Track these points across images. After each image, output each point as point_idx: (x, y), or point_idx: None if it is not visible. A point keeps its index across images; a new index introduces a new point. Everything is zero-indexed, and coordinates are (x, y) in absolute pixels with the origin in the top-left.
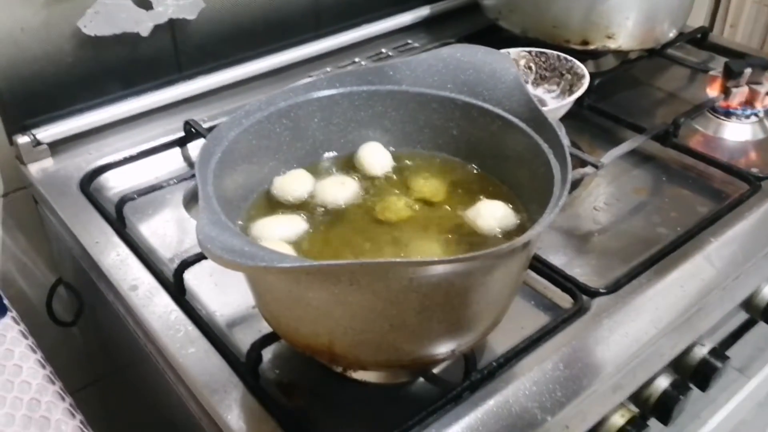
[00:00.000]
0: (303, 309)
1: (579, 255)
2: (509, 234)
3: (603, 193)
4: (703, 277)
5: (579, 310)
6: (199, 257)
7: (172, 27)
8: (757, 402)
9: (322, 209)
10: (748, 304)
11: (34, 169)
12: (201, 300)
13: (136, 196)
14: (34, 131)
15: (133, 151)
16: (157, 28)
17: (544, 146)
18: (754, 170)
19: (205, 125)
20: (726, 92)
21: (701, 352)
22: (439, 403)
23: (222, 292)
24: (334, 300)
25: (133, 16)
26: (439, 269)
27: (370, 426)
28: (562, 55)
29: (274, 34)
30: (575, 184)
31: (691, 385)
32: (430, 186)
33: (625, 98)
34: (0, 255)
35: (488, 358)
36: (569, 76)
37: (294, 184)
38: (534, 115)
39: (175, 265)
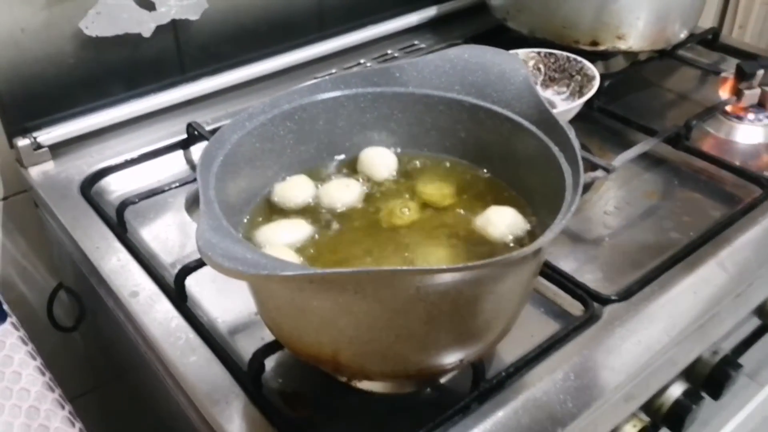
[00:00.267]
0: (306, 318)
1: (589, 260)
2: (520, 240)
3: (613, 197)
4: (716, 283)
5: (590, 318)
6: (201, 263)
7: (175, 28)
8: None
9: (327, 213)
10: (761, 310)
11: (35, 172)
12: (203, 306)
13: (137, 199)
14: (34, 134)
15: (135, 154)
16: (159, 29)
17: (555, 149)
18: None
19: (209, 128)
20: (738, 94)
21: (714, 359)
22: (446, 414)
23: (224, 298)
24: (338, 309)
25: (135, 16)
26: (448, 277)
27: None
28: (572, 55)
29: (278, 35)
30: (585, 188)
31: (704, 394)
32: (437, 190)
33: (635, 100)
34: (0, 259)
35: (497, 368)
36: (579, 78)
37: (294, 190)
38: (544, 118)
39: (176, 271)
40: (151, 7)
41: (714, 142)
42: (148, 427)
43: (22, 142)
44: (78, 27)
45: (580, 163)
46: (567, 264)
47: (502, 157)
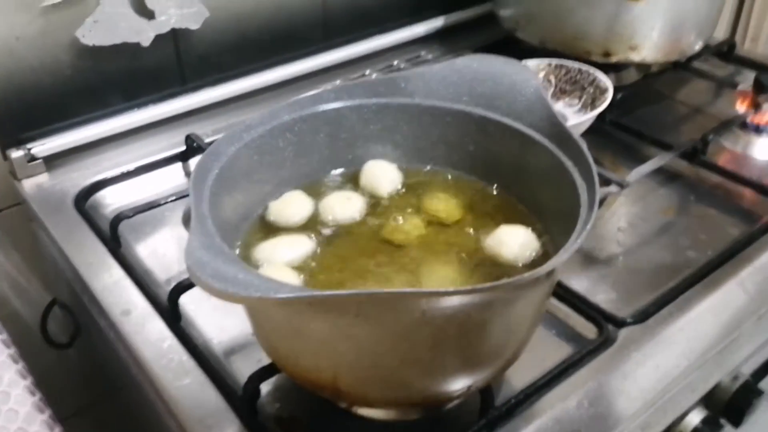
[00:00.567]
0: (304, 341)
1: (602, 280)
2: (531, 261)
3: (627, 213)
4: (737, 305)
5: (605, 341)
6: None
7: (175, 37)
8: None
9: (328, 228)
10: None
11: (28, 184)
12: (197, 326)
13: (132, 213)
14: (29, 145)
15: (132, 167)
16: (159, 38)
17: (569, 164)
18: None
19: (208, 140)
20: (756, 107)
21: (734, 385)
22: None
23: (220, 317)
24: (338, 333)
25: (133, 25)
26: (455, 300)
27: None
28: (584, 67)
29: (281, 45)
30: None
31: (723, 422)
32: (443, 206)
33: (649, 113)
34: None
35: (506, 394)
36: (591, 90)
37: (290, 208)
38: (557, 131)
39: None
40: (150, 16)
41: (730, 156)
42: None
43: (16, 154)
44: (75, 36)
45: (596, 178)
46: (579, 283)
47: (512, 172)
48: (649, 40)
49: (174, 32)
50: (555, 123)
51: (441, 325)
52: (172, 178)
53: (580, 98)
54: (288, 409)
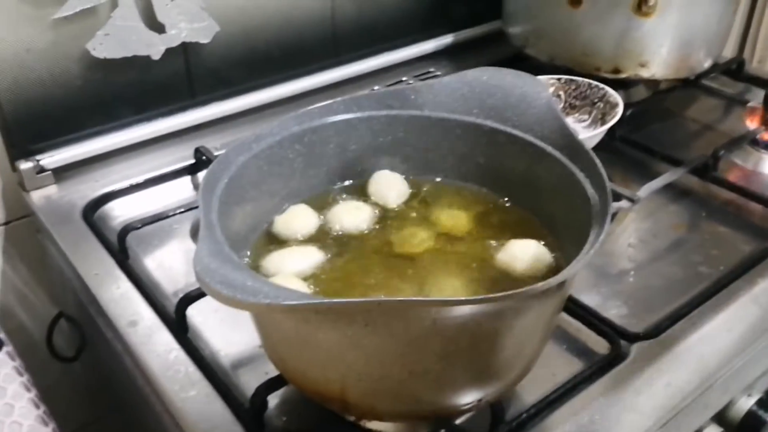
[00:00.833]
0: (312, 352)
1: (614, 295)
2: (544, 274)
3: (638, 229)
4: (750, 321)
5: (617, 357)
6: (204, 292)
7: (185, 51)
8: None
9: (337, 240)
10: None
11: (37, 196)
12: (204, 338)
13: (140, 225)
14: (38, 157)
15: (141, 179)
16: (169, 52)
17: (580, 176)
18: None
19: (217, 153)
20: (766, 124)
21: (748, 403)
22: None
23: (228, 329)
24: (347, 342)
25: (144, 38)
26: (466, 310)
27: None
28: (594, 82)
29: (291, 60)
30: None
31: None
32: (453, 218)
33: (658, 130)
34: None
35: (517, 409)
36: (601, 105)
37: (296, 222)
38: (568, 143)
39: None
40: (161, 30)
41: (741, 173)
42: None
43: (25, 165)
44: (85, 48)
45: (609, 189)
46: (590, 299)
47: (523, 185)
48: (658, 57)
49: (184, 46)
50: (566, 134)
51: (451, 335)
52: (181, 191)
53: (590, 113)
54: (295, 423)
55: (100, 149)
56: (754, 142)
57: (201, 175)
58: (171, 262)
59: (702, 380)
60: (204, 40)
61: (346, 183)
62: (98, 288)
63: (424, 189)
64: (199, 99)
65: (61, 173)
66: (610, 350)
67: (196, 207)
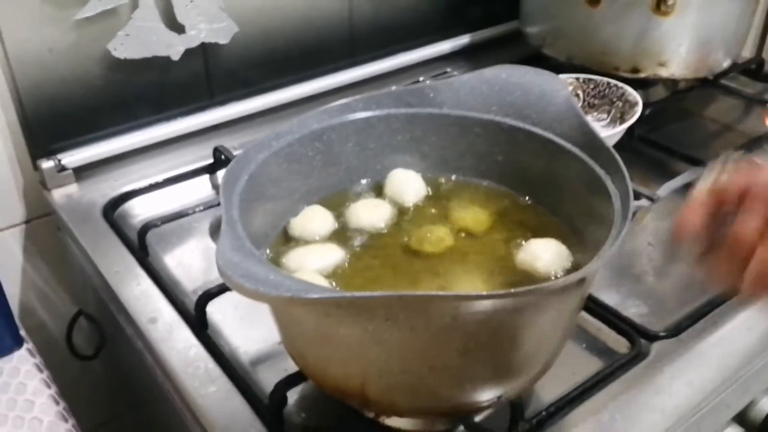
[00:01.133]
0: (333, 347)
1: (633, 294)
2: (565, 272)
3: (657, 228)
4: None
5: (637, 356)
6: (223, 288)
7: (204, 51)
8: None
9: (356, 237)
10: None
11: (58, 194)
12: (224, 335)
13: (159, 223)
14: (59, 156)
15: (160, 178)
16: (188, 52)
17: (601, 173)
18: None
19: (236, 153)
20: None
21: None
22: None
23: (247, 326)
24: (367, 337)
25: (164, 39)
26: (488, 305)
27: None
28: (612, 81)
29: (309, 60)
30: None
31: None
32: (472, 216)
33: (677, 130)
34: (20, 284)
35: (536, 407)
36: (620, 104)
37: (312, 223)
38: (588, 140)
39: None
40: (180, 30)
41: None
42: None
43: (47, 164)
44: (106, 48)
45: (629, 185)
46: (610, 297)
47: (543, 182)
48: (677, 56)
49: (203, 46)
50: (587, 132)
51: (472, 331)
52: (200, 190)
53: (608, 112)
54: (314, 419)
55: (121, 148)
56: None
57: (220, 174)
58: (190, 260)
59: (723, 380)
60: (223, 41)
61: (365, 181)
62: (118, 285)
63: (443, 187)
64: (218, 99)
65: (82, 172)
66: (630, 349)
67: (215, 206)
